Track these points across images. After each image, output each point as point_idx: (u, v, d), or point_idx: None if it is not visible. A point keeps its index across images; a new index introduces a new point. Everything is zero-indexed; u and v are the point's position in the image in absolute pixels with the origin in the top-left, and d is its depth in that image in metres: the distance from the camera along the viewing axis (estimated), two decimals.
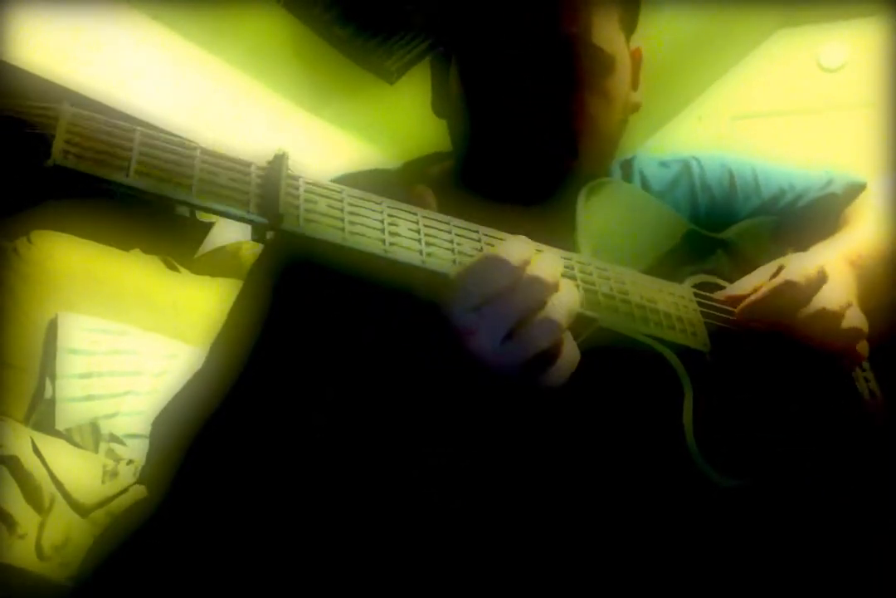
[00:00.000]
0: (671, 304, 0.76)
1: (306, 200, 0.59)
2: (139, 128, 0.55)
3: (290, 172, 0.60)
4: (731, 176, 0.96)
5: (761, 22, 3.39)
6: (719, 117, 3.59)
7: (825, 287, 0.77)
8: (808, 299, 0.76)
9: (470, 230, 0.66)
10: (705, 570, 0.75)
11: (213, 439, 0.70)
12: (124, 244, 2.17)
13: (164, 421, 0.79)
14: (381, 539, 0.74)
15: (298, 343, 0.69)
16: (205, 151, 0.57)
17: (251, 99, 2.68)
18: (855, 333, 0.78)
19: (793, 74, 3.46)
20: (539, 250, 0.64)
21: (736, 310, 0.79)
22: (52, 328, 1.87)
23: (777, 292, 0.76)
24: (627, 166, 0.96)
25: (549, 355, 0.60)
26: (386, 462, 0.73)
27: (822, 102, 3.39)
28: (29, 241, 1.92)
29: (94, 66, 2.18)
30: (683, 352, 0.74)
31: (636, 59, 0.87)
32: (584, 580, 0.75)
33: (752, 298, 0.78)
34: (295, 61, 2.61)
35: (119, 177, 0.53)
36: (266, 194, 0.57)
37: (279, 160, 0.59)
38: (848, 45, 3.34)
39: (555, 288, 0.60)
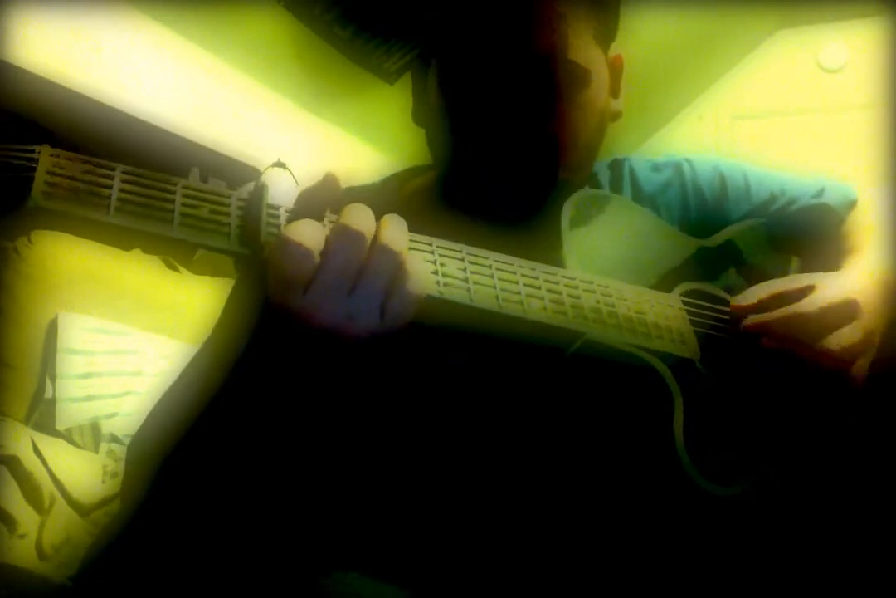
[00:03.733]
0: (659, 313, 0.76)
1: None
2: (120, 165, 0.56)
3: (270, 201, 0.60)
4: (723, 180, 0.95)
5: (761, 22, 3.39)
6: (719, 117, 3.59)
7: (849, 327, 0.76)
8: (830, 331, 0.76)
9: (453, 250, 0.66)
10: (695, 577, 0.75)
11: (182, 462, 0.69)
12: (124, 244, 2.16)
13: (139, 443, 0.78)
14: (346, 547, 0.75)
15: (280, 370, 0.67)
16: (185, 185, 0.58)
17: (251, 99, 2.68)
18: (855, 380, 0.78)
19: (793, 75, 3.46)
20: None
21: (748, 321, 0.78)
22: (53, 328, 1.87)
23: (792, 319, 0.76)
24: (617, 167, 0.95)
25: (396, 285, 0.59)
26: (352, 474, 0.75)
27: (822, 102, 3.39)
28: (29, 241, 1.92)
29: (94, 66, 2.18)
30: (673, 361, 0.74)
31: (617, 66, 0.87)
32: (575, 590, 0.76)
33: (767, 316, 0.77)
34: (295, 62, 2.61)
35: (100, 215, 0.54)
36: (247, 225, 0.58)
37: (259, 191, 0.60)
38: (848, 46, 3.35)
39: (369, 232, 0.59)
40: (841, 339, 0.76)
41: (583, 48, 0.79)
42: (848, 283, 0.81)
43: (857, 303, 0.77)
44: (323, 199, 0.61)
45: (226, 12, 2.33)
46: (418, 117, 0.88)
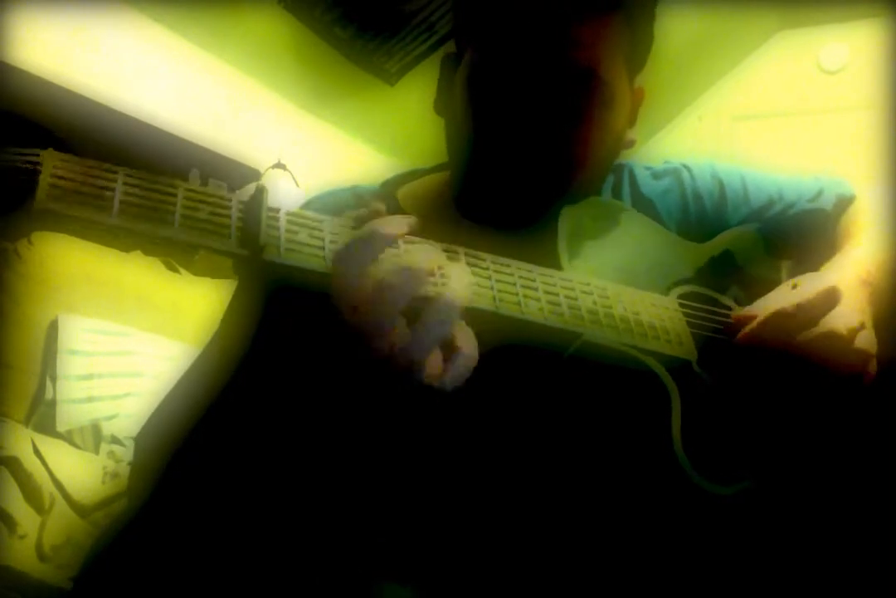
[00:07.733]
0: (656, 315, 0.76)
1: (287, 231, 0.60)
2: (122, 169, 0.57)
3: (269, 204, 0.61)
4: (721, 186, 0.96)
5: (762, 23, 3.39)
6: (720, 118, 3.60)
7: (836, 309, 0.77)
8: (816, 321, 0.76)
9: (450, 252, 0.67)
10: (693, 576, 0.75)
11: (192, 454, 0.70)
12: (125, 246, 2.17)
13: (147, 435, 0.79)
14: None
15: (280, 364, 0.67)
16: (187, 188, 0.58)
17: (251, 99, 2.68)
18: (862, 355, 0.78)
19: (793, 76, 3.47)
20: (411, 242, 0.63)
21: (738, 335, 0.79)
22: (53, 329, 1.87)
23: (773, 319, 0.77)
24: (618, 171, 0.96)
25: (446, 350, 0.60)
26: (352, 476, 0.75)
27: (822, 103, 3.40)
28: (29, 242, 1.92)
29: (94, 66, 2.18)
30: (671, 361, 0.75)
31: (638, 97, 0.88)
32: (575, 590, 0.76)
33: (752, 325, 0.78)
34: (295, 62, 2.62)
35: (103, 217, 0.55)
36: (247, 227, 0.59)
37: (259, 194, 0.61)
38: (848, 47, 3.35)
39: (432, 274, 0.60)
40: (831, 323, 0.76)
41: (614, 72, 0.81)
42: (827, 275, 0.83)
43: (836, 289, 0.78)
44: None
45: (226, 13, 2.34)
46: (440, 107, 0.89)
